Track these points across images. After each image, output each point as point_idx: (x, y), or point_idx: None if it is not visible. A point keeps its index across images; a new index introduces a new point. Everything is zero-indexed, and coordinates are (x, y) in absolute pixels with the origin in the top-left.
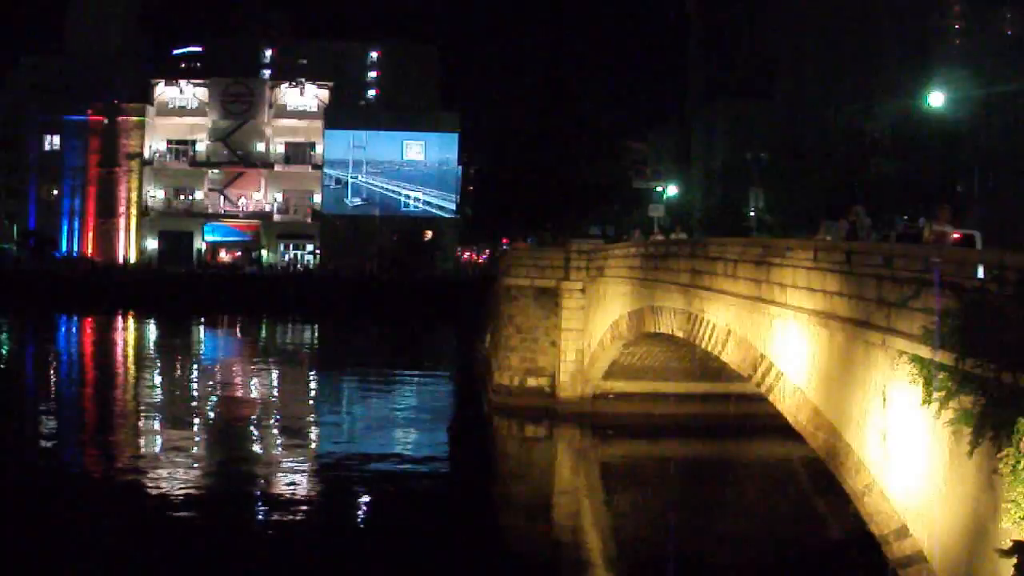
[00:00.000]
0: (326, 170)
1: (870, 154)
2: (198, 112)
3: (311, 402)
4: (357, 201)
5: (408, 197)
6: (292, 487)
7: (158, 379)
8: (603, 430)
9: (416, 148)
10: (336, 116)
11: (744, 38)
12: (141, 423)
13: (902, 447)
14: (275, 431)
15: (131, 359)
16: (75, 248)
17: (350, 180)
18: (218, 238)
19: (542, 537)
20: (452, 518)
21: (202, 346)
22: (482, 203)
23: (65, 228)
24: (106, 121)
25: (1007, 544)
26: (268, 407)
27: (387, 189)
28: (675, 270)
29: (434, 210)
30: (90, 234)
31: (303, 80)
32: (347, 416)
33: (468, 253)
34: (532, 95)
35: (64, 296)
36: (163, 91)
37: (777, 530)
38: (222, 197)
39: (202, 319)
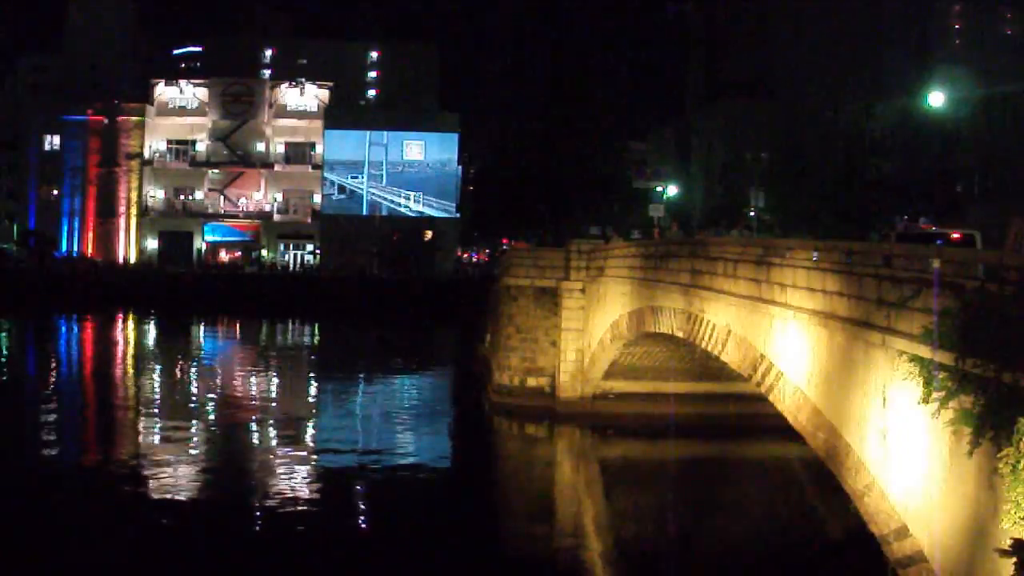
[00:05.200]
0: (326, 174)
1: (870, 154)
2: (198, 112)
3: (311, 402)
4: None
5: (409, 209)
6: (292, 487)
7: (158, 379)
8: (603, 430)
9: (416, 148)
10: (336, 116)
11: (744, 38)
12: (141, 423)
13: (902, 447)
14: (275, 431)
15: (131, 359)
16: (75, 248)
17: (366, 193)
18: (218, 238)
19: (542, 537)
20: (452, 517)
21: (202, 346)
22: (482, 203)
23: (65, 228)
24: (106, 121)
25: (1007, 544)
26: (268, 407)
27: (388, 199)
28: (675, 270)
29: (434, 211)
30: (90, 234)
31: (303, 80)
32: (347, 416)
33: (468, 253)
34: (532, 95)
35: (64, 296)
36: (163, 91)
37: (777, 530)
38: (222, 197)
39: (202, 319)
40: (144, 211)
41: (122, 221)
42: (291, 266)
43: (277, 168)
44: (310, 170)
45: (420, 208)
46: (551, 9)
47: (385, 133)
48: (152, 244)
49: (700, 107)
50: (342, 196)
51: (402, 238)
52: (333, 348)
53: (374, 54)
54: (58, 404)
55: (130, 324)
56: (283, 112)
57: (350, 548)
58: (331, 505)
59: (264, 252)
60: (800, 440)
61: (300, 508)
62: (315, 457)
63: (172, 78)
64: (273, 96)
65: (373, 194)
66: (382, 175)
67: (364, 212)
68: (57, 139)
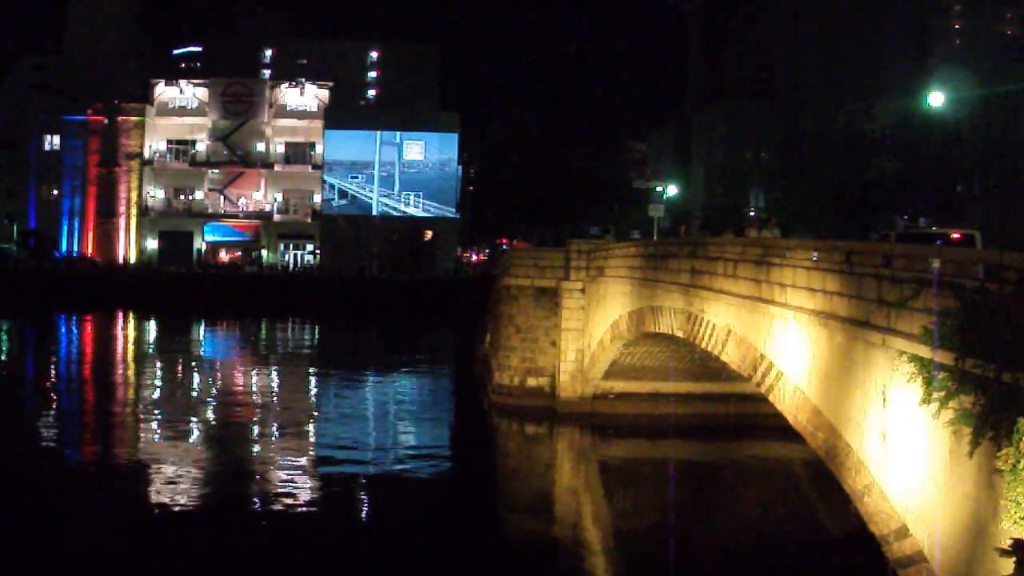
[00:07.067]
0: (325, 176)
1: (870, 154)
2: (198, 112)
3: (311, 401)
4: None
5: (408, 215)
6: (292, 486)
7: (158, 379)
8: (603, 430)
9: (416, 148)
10: (336, 116)
11: (744, 38)
12: (141, 422)
13: (902, 447)
14: (275, 430)
15: (131, 359)
16: (75, 248)
17: (376, 202)
18: (218, 238)
19: (542, 536)
20: (452, 517)
21: (202, 346)
22: (482, 203)
23: (65, 228)
24: (106, 121)
25: (1007, 544)
26: (268, 406)
27: (387, 204)
28: (675, 270)
29: (434, 211)
30: (90, 234)
31: (303, 80)
32: (347, 415)
33: (468, 253)
34: (532, 95)
35: (64, 296)
36: (163, 91)
37: (777, 530)
38: (222, 197)
39: (202, 319)
40: (144, 211)
41: (122, 221)
42: (291, 266)
43: (277, 168)
44: (310, 170)
45: (419, 209)
46: (551, 9)
47: (397, 133)
48: (152, 244)
49: (700, 107)
50: (343, 201)
51: (402, 238)
52: (333, 348)
53: (374, 54)
54: (58, 404)
55: (130, 324)
56: (283, 112)
57: (350, 547)
58: (331, 504)
59: (264, 252)
60: (800, 440)
61: (300, 506)
62: (315, 456)
63: (172, 78)
64: (273, 96)
65: (379, 201)
66: (392, 178)
67: (372, 213)
68: (57, 139)
